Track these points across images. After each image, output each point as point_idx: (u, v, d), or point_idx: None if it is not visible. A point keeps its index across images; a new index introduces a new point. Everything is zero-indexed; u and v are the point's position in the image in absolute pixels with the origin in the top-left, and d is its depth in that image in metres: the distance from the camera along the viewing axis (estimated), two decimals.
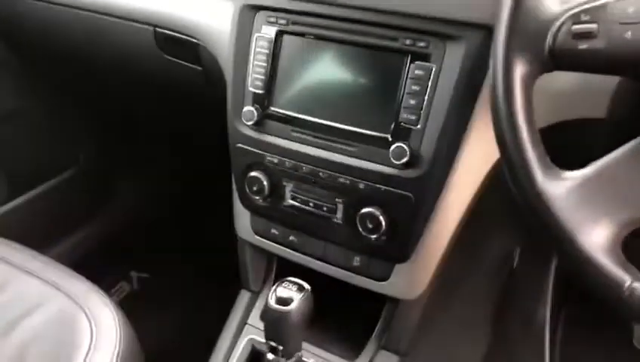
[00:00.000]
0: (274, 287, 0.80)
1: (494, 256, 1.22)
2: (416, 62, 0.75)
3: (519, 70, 0.54)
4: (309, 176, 0.84)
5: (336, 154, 0.82)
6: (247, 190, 0.90)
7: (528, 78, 0.54)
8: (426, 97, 0.74)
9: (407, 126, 0.76)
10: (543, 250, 1.28)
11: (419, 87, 0.75)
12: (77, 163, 1.62)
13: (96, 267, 1.64)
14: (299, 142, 0.84)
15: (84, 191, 1.66)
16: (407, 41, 0.75)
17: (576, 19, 0.52)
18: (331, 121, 0.82)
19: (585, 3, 0.52)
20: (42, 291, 0.90)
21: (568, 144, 0.75)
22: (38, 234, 1.47)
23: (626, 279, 0.49)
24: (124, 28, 1.11)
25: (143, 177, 1.80)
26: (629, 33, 0.49)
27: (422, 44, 0.74)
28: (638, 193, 0.50)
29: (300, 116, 0.84)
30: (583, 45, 0.51)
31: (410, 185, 0.77)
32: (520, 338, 1.33)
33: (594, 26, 0.51)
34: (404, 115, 0.76)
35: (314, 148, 0.83)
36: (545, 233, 0.51)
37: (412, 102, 0.75)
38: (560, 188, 0.52)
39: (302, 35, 0.83)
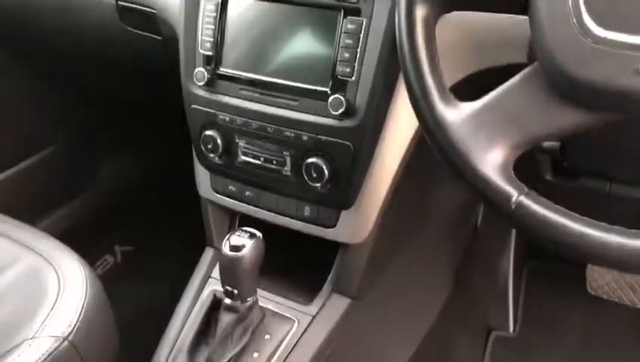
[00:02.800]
0: (228, 236, 0.86)
1: (453, 209, 1.27)
2: (349, 17, 0.79)
3: (419, 10, 0.59)
4: (259, 132, 0.89)
5: (281, 109, 0.87)
6: (203, 149, 0.95)
7: (428, 17, 0.59)
8: (359, 50, 0.79)
9: (343, 78, 0.81)
10: None
11: (351, 40, 0.80)
12: (56, 141, 1.67)
13: (79, 242, 1.70)
14: (247, 100, 0.89)
15: (64, 168, 1.71)
16: None
17: None
18: (276, 77, 0.87)
19: None
20: (14, 251, 0.95)
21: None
22: (18, 211, 1.52)
23: (513, 194, 0.54)
24: (87, 2, 1.15)
25: (123, 152, 1.84)
26: None
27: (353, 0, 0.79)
28: (525, 117, 0.55)
29: (247, 75, 0.89)
30: None
31: (349, 134, 0.82)
32: (482, 288, 1.40)
33: None
34: (339, 68, 0.81)
35: (261, 105, 0.88)
36: (443, 157, 0.57)
37: (346, 55, 0.80)
38: (457, 115, 0.57)
39: None
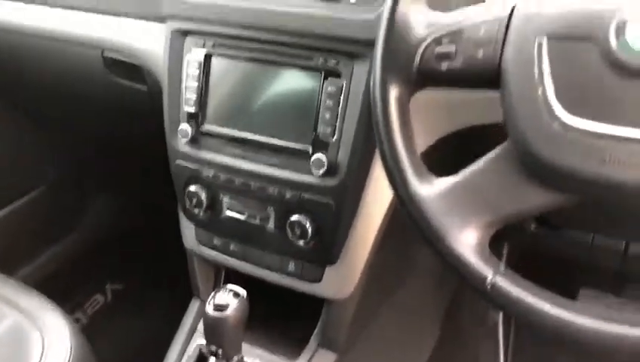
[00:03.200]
0: (212, 294, 0.86)
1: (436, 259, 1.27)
2: (329, 79, 0.80)
3: (393, 89, 0.59)
4: (242, 188, 0.89)
5: (264, 167, 0.87)
6: (188, 204, 0.95)
7: (402, 95, 0.60)
8: (339, 111, 0.80)
9: (324, 138, 0.82)
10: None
11: (332, 102, 0.80)
12: (45, 181, 1.67)
13: (69, 281, 1.70)
14: (231, 156, 0.90)
15: (55, 207, 1.71)
16: (321, 60, 0.81)
17: (438, 42, 0.57)
18: (259, 135, 0.87)
19: (446, 27, 0.57)
20: None
21: (473, 148, 0.81)
22: (11, 252, 1.52)
23: (487, 274, 0.54)
24: (74, 52, 1.16)
25: (116, 190, 1.84)
26: (480, 53, 0.55)
27: (333, 62, 0.80)
28: (497, 198, 0.55)
29: (231, 132, 0.89)
30: (444, 65, 0.57)
31: (330, 192, 0.83)
32: (471, 330, 1.39)
33: (452, 47, 0.56)
34: (321, 128, 0.81)
35: (244, 162, 0.89)
36: (418, 231, 0.57)
37: (327, 116, 0.81)
38: (431, 191, 0.57)
39: (228, 56, 0.88)
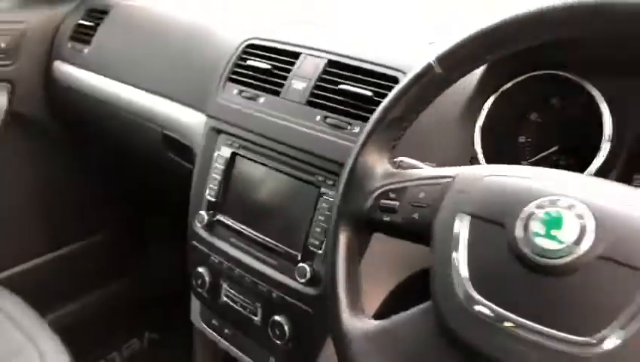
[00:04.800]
0: None
1: None
2: (324, 197, 0.87)
3: (344, 231, 0.65)
4: (239, 279, 0.97)
5: (259, 263, 0.94)
6: (194, 282, 1.03)
7: (351, 238, 0.65)
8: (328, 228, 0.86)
9: (313, 249, 0.87)
10: None
11: (323, 217, 0.86)
12: (104, 228, 1.83)
13: (111, 323, 1.82)
14: (235, 248, 0.98)
15: (109, 253, 1.86)
16: (320, 178, 0.88)
17: (385, 196, 0.62)
18: (260, 234, 0.95)
19: (395, 183, 0.63)
20: (20, 342, 1.06)
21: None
22: (60, 289, 1.67)
23: None
24: (140, 124, 1.31)
25: (165, 244, 1.97)
26: (417, 214, 0.60)
27: (330, 182, 0.87)
28: (411, 352, 0.58)
29: (238, 226, 0.97)
30: (387, 218, 0.62)
31: (310, 301, 0.87)
32: None
33: (396, 203, 0.61)
34: (311, 240, 0.88)
35: (244, 255, 0.96)
36: None
37: (317, 229, 0.87)
38: (359, 332, 0.61)
39: (248, 158, 0.98)
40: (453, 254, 0.55)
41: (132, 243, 1.90)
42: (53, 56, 1.47)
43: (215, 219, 1.01)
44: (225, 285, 0.99)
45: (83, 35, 1.42)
